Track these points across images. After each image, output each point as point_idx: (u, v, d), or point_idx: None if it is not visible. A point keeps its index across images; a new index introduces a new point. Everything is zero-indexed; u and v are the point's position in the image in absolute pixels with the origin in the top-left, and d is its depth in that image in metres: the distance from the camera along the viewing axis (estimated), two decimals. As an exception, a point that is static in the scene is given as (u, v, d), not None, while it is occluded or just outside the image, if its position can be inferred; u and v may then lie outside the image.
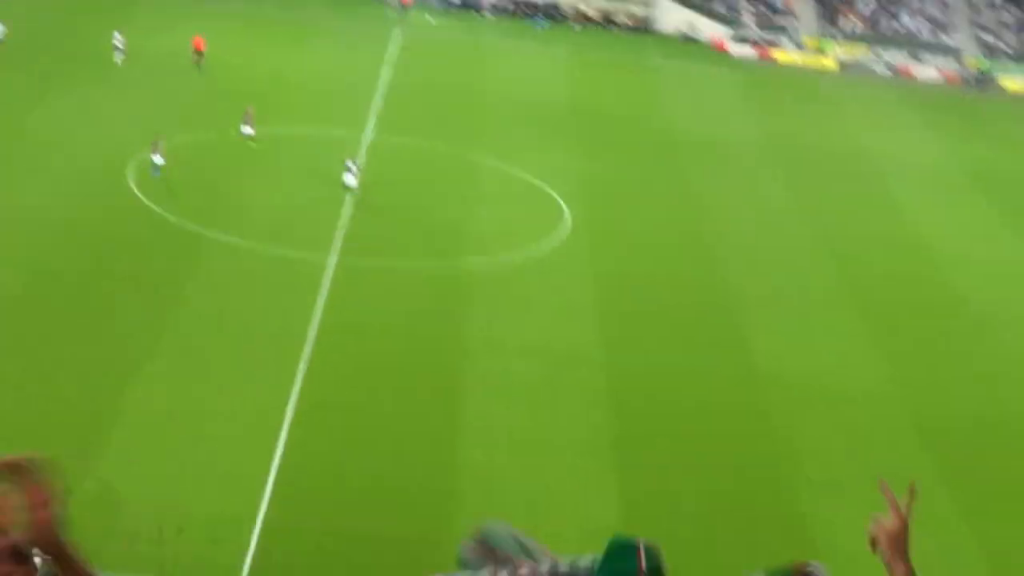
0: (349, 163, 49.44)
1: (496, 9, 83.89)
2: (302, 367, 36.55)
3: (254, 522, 29.69)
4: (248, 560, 28.55)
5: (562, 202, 51.29)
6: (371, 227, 46.73)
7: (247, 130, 51.97)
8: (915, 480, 4.52)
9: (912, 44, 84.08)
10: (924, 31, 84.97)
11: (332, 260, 43.44)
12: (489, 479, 32.11)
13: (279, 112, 57.38)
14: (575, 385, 37.61)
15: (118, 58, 62.58)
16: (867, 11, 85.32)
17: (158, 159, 47.17)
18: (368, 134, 56.22)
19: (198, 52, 62.36)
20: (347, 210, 47.62)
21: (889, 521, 4.78)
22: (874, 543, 4.78)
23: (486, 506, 29.50)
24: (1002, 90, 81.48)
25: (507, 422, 34.97)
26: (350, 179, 49.11)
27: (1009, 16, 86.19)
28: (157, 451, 31.94)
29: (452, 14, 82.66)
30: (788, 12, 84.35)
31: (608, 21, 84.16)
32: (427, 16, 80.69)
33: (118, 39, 63.22)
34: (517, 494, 31.24)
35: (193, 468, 31.49)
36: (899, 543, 4.74)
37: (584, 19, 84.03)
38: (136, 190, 46.98)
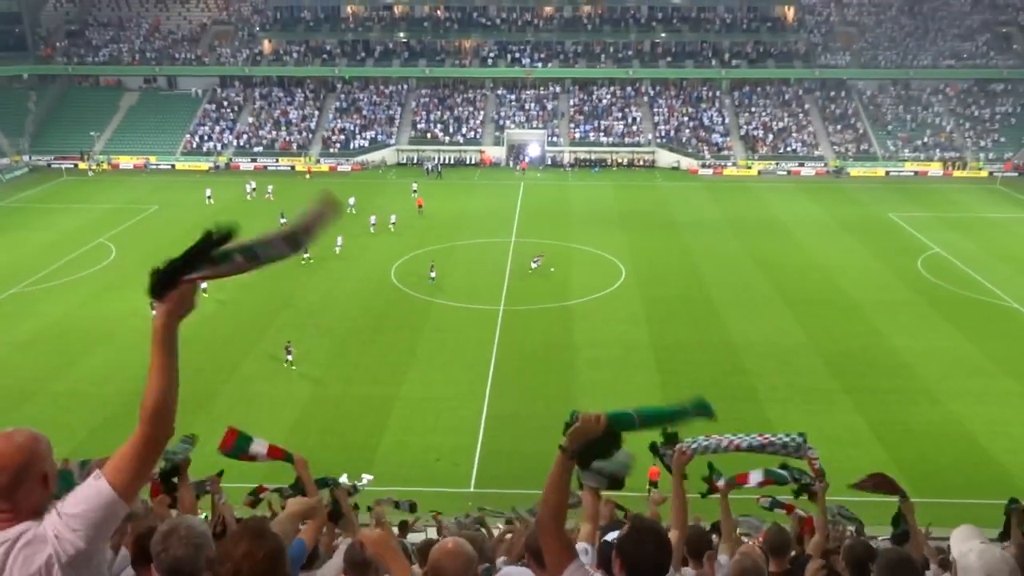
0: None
1: (571, 165, 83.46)
2: (492, 365, 36.68)
3: (475, 450, 29.85)
4: (474, 472, 28.68)
5: (619, 262, 50.77)
6: (520, 288, 46.32)
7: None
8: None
9: (797, 157, 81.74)
10: (803, 149, 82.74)
11: (501, 308, 43.41)
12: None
13: (464, 232, 57.56)
14: (637, 359, 37.04)
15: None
16: (770, 142, 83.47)
17: (433, 274, 46.72)
18: (512, 238, 56.06)
19: (419, 206, 62.89)
20: (507, 280, 47.56)
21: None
22: None
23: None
24: (850, 177, 78.98)
25: (601, 383, 34.72)
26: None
27: (851, 135, 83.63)
28: (420, 417, 32.17)
29: (549, 170, 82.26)
30: (728, 148, 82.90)
31: (631, 164, 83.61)
32: (536, 173, 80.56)
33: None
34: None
35: (440, 424, 31.67)
36: None
37: (618, 164, 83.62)
38: (396, 281, 47.49)
